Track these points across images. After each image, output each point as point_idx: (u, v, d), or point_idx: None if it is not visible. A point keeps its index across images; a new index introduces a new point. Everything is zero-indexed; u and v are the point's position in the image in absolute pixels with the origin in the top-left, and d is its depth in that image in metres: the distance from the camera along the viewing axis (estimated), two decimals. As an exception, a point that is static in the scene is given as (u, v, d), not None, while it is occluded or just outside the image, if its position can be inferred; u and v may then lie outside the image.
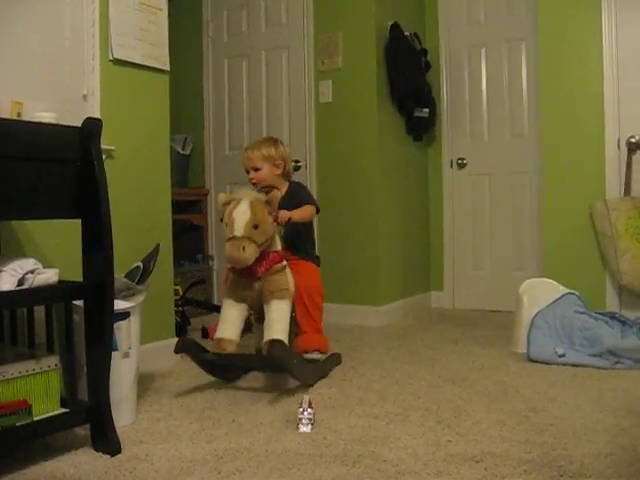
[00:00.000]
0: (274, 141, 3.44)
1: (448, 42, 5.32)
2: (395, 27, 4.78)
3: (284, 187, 3.41)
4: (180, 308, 4.26)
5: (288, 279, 3.08)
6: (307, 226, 3.46)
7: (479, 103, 5.24)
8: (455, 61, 5.31)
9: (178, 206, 4.72)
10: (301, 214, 3.25)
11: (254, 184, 3.35)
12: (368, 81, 4.67)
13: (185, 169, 5.41)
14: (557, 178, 4.43)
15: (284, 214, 3.09)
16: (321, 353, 3.25)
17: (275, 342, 2.85)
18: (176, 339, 3.59)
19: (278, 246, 3.07)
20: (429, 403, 2.80)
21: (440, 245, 5.42)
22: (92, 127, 2.25)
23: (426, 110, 5.02)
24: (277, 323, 2.94)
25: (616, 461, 2.13)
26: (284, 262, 3.08)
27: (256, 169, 3.35)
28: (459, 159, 5.29)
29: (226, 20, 5.35)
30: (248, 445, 2.34)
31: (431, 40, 5.31)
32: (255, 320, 3.19)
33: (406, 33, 4.85)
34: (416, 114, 4.99)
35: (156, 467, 2.16)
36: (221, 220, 3.00)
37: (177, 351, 2.98)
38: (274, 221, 3.02)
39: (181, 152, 5.24)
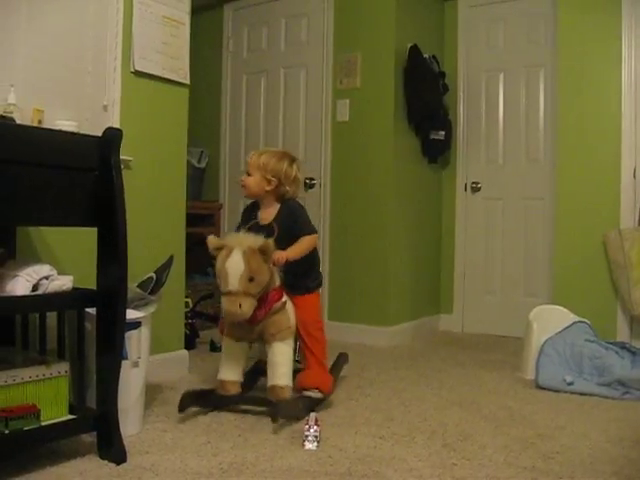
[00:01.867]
0: (282, 156, 3.08)
1: (467, 66, 5.34)
2: (414, 49, 4.81)
3: (272, 207, 3.06)
4: (190, 321, 4.27)
5: (289, 316, 2.96)
6: (307, 256, 3.06)
7: (495, 127, 5.25)
8: (473, 85, 5.33)
9: (191, 219, 4.74)
10: (298, 251, 2.96)
11: (242, 187, 3.09)
12: (385, 102, 4.70)
13: (200, 182, 5.44)
14: (571, 205, 4.43)
15: (280, 256, 2.83)
16: (320, 392, 3.03)
17: (280, 399, 2.81)
18: (185, 351, 3.61)
19: (277, 282, 2.89)
20: (435, 426, 2.79)
21: (451, 268, 5.41)
22: (112, 137, 2.28)
23: (442, 133, 5.04)
24: (281, 367, 2.86)
25: (623, 492, 2.12)
26: (283, 298, 2.93)
27: (249, 173, 3.06)
28: (473, 183, 5.30)
29: (246, 36, 5.41)
30: (253, 460, 2.34)
31: (449, 63, 5.33)
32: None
33: (425, 55, 4.88)
34: (432, 136, 5.00)
35: (161, 478, 2.16)
36: (213, 263, 2.81)
37: (181, 409, 2.79)
38: (271, 264, 2.81)
39: (196, 165, 5.27)
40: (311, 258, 3.11)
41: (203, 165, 5.39)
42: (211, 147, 5.50)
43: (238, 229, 3.04)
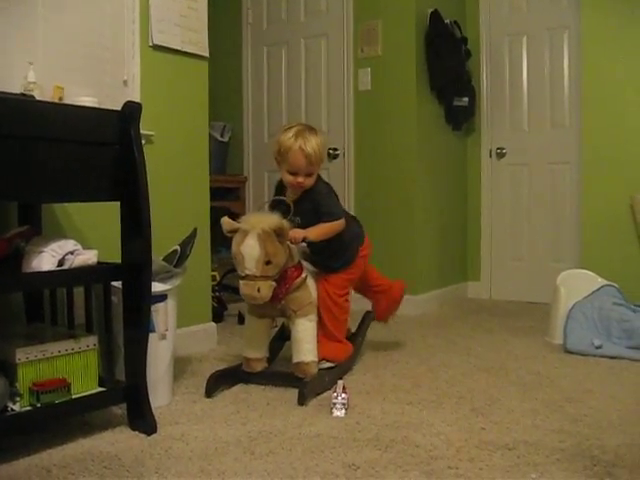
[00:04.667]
0: (321, 138, 2.95)
1: (489, 30, 5.26)
2: (435, 15, 4.74)
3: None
4: (217, 294, 4.30)
5: (310, 291, 2.93)
6: (334, 240, 2.97)
7: (519, 92, 5.18)
8: (496, 49, 5.25)
9: (216, 193, 4.75)
10: (318, 233, 2.86)
11: (296, 186, 2.91)
12: (407, 69, 4.65)
13: (224, 156, 5.44)
14: (597, 169, 4.38)
15: (297, 235, 2.77)
16: (329, 362, 2.98)
17: (306, 375, 2.81)
18: (213, 324, 3.64)
19: (295, 259, 2.85)
20: (463, 391, 2.79)
21: (478, 235, 5.39)
22: (132, 110, 2.28)
23: (465, 99, 4.98)
24: (305, 343, 2.85)
25: (651, 452, 2.11)
26: (303, 274, 2.89)
27: (309, 174, 2.90)
28: (498, 149, 5.24)
29: (266, 7, 5.36)
30: (281, 428, 2.36)
31: (471, 28, 5.25)
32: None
33: (446, 21, 4.81)
34: (455, 103, 4.95)
35: (191, 447, 2.19)
36: (228, 243, 2.77)
37: (208, 394, 2.74)
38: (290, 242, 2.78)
39: (220, 139, 5.27)
40: (338, 242, 2.99)
41: (226, 139, 5.38)
42: (234, 121, 5.49)
43: (270, 204, 3.02)
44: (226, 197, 5.26)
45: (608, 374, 3.06)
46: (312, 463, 2.04)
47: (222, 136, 5.33)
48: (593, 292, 3.65)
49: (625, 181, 4.26)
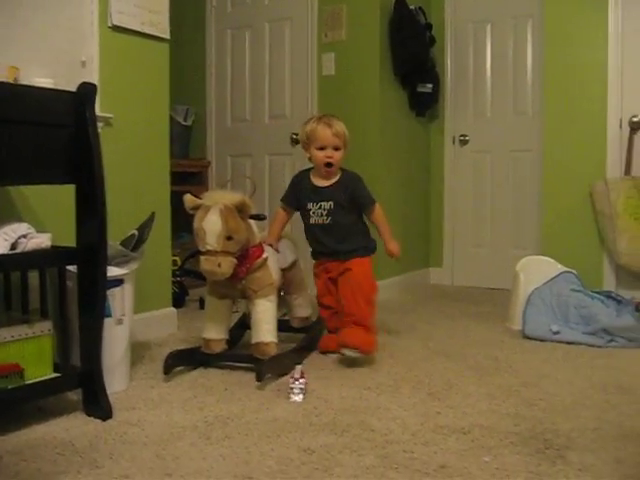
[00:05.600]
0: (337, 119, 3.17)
1: (454, 17, 5.27)
2: (400, 1, 4.73)
3: (336, 175, 3.14)
4: (178, 279, 4.27)
5: (270, 272, 2.91)
6: (358, 220, 3.21)
7: (483, 80, 5.21)
8: (460, 37, 5.27)
9: (179, 177, 4.72)
10: (388, 228, 3.21)
11: (328, 165, 3.06)
12: (371, 54, 4.64)
13: (187, 140, 5.39)
14: (558, 157, 4.43)
15: (396, 249, 3.19)
16: (356, 352, 2.94)
17: (265, 355, 2.79)
18: (173, 309, 3.62)
19: (256, 239, 2.86)
20: (421, 376, 2.82)
21: (440, 222, 5.42)
22: (87, 92, 2.24)
23: (429, 85, 4.99)
24: (264, 324, 2.84)
25: (602, 435, 2.14)
26: (264, 255, 2.88)
27: (337, 148, 3.07)
28: (461, 135, 5.27)
29: (230, -11, 5.30)
30: (238, 412, 2.36)
31: (436, 14, 5.25)
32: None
33: (411, 7, 4.80)
34: (419, 89, 4.96)
35: (146, 432, 2.18)
36: (190, 227, 2.78)
37: (166, 371, 2.75)
38: (390, 256, 3.17)
39: (183, 123, 5.22)
40: (360, 224, 3.22)
41: (189, 123, 5.33)
42: (197, 104, 5.43)
43: (287, 199, 3.22)
44: (189, 181, 5.22)
45: (565, 359, 3.10)
46: (268, 447, 2.05)
47: (185, 120, 5.27)
48: (552, 278, 3.69)
49: (585, 168, 4.31)
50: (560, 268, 3.77)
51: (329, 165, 3.06)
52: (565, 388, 2.65)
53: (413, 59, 4.81)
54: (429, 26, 5.03)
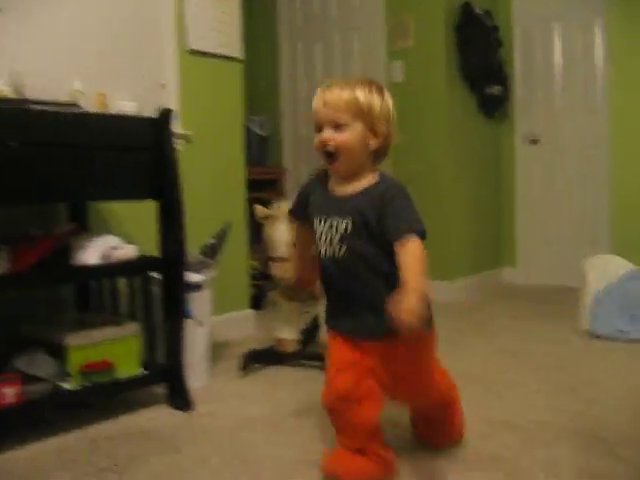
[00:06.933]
0: (376, 86, 1.89)
1: (521, 17, 5.32)
2: (466, 6, 4.83)
3: (368, 178, 1.88)
4: (258, 282, 4.49)
5: None
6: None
7: (552, 79, 5.23)
8: (528, 36, 5.31)
9: (257, 184, 4.95)
10: (420, 274, 1.78)
11: (328, 155, 1.85)
12: (438, 60, 4.75)
13: (263, 149, 5.63)
14: (628, 153, 4.43)
15: (406, 313, 1.60)
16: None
17: None
18: (252, 311, 3.85)
19: None
20: (482, 373, 2.93)
21: (512, 221, 5.47)
22: (163, 117, 2.50)
23: (497, 87, 5.06)
24: None
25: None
26: None
27: (337, 125, 1.82)
28: (532, 135, 5.31)
29: (299, 3, 5.52)
30: (307, 406, 2.54)
31: (504, 15, 5.31)
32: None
33: (477, 11, 4.89)
34: (487, 91, 5.04)
35: (223, 422, 2.41)
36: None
37: (243, 368, 2.98)
38: (391, 322, 1.62)
39: (259, 133, 5.45)
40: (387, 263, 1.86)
41: (266, 133, 5.57)
42: (272, 115, 5.66)
43: (294, 207, 2.08)
44: (265, 188, 5.44)
45: (631, 359, 3.15)
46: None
47: (261, 130, 5.51)
48: (620, 277, 3.72)
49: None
50: (629, 266, 3.79)
51: (329, 155, 1.85)
52: (626, 387, 2.71)
53: (480, 63, 4.90)
54: (496, 28, 5.10)
